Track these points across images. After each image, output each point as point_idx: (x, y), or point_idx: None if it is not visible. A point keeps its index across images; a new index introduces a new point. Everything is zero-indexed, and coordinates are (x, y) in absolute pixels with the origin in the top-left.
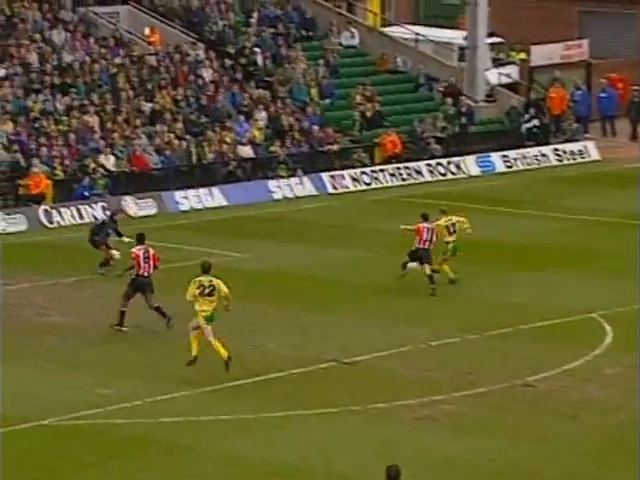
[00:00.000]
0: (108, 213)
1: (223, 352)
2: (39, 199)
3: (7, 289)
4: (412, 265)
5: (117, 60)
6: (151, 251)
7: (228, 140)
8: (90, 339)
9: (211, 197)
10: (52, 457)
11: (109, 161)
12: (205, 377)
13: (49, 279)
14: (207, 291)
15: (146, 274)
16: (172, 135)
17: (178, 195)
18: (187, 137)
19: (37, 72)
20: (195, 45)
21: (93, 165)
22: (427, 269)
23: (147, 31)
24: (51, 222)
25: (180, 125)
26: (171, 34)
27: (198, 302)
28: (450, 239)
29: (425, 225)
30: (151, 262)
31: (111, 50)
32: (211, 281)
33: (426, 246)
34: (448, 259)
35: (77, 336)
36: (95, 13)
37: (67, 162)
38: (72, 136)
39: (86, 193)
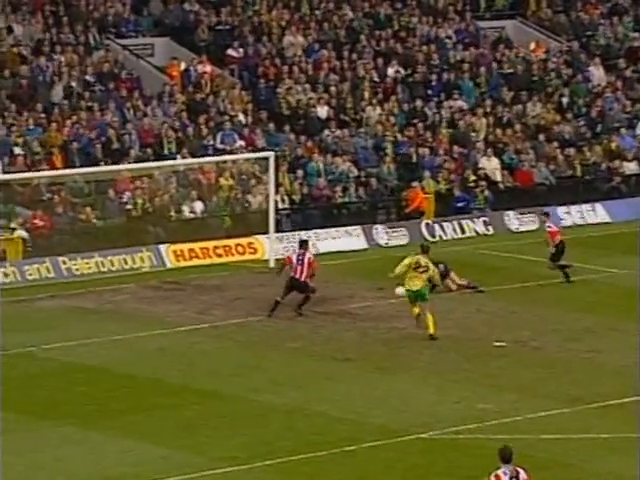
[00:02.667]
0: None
1: (432, 329)
2: (418, 213)
3: (389, 302)
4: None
5: (505, 70)
6: (307, 257)
7: (613, 154)
8: (469, 353)
9: (594, 213)
10: (428, 470)
11: (494, 175)
12: (586, 394)
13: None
14: (421, 269)
15: (297, 277)
16: (556, 149)
17: (561, 210)
18: (571, 151)
19: (423, 82)
20: (582, 57)
21: (474, 178)
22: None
23: (532, 45)
24: (433, 236)
25: (564, 138)
26: (557, 48)
27: (409, 277)
28: None
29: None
30: (305, 267)
31: (497, 61)
32: (427, 263)
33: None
34: None
35: (456, 349)
36: (480, 28)
37: (452, 176)
38: (457, 148)
39: (460, 205)
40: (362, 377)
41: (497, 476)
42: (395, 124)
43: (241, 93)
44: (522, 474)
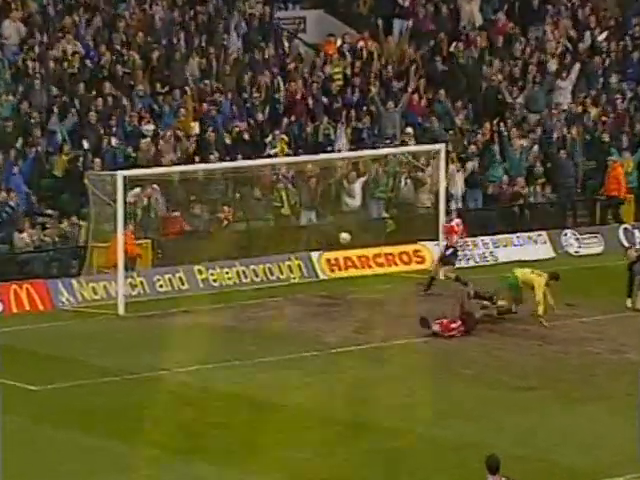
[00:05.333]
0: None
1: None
2: (616, 202)
3: (580, 321)
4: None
5: None
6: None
7: None
8: None
9: None
10: None
11: None
12: None
13: (620, 311)
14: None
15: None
16: None
17: None
18: None
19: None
20: None
21: None
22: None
23: None
24: (632, 243)
25: None
26: None
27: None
28: None
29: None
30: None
31: None
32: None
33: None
34: None
35: None
36: None
37: None
38: None
39: None
40: (547, 409)
41: None
42: (586, 103)
43: None
44: None
